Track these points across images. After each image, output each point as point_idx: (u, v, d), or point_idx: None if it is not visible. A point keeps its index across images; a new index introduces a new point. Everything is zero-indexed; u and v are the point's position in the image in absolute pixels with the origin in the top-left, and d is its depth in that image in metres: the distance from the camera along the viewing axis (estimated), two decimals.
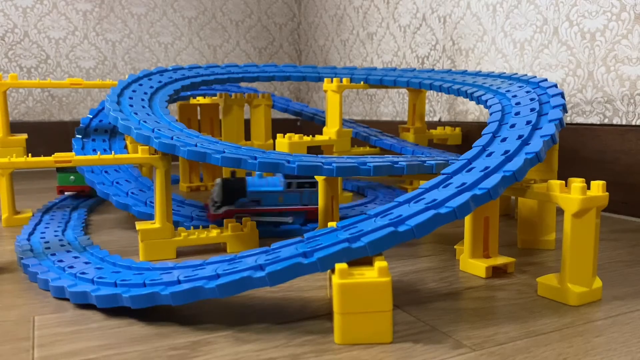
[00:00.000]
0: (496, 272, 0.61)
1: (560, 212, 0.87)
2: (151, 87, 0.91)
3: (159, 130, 0.70)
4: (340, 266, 0.43)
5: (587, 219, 0.51)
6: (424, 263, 0.66)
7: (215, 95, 1.26)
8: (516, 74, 0.83)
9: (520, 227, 0.73)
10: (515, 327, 0.46)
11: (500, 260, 0.62)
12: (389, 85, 1.07)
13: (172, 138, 0.67)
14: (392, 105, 1.59)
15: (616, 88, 0.95)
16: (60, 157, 0.66)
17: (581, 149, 0.99)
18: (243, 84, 1.97)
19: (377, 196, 1.07)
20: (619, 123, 0.95)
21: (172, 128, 0.75)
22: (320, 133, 1.27)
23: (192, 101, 1.24)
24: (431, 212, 0.47)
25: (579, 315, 0.49)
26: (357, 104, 1.76)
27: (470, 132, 1.25)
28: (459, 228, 0.83)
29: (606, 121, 0.97)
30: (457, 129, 1.23)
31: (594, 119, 0.99)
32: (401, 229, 0.45)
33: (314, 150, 1.30)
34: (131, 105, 0.81)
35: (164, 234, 0.69)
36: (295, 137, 0.94)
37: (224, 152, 0.64)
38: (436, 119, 1.40)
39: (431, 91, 1.36)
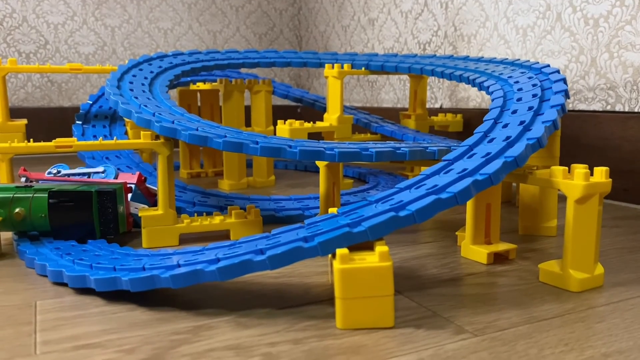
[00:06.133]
0: (497, 258, 0.61)
1: (561, 198, 0.87)
2: (151, 72, 0.91)
3: (160, 114, 0.70)
4: (341, 251, 0.42)
5: (590, 205, 0.51)
6: (426, 249, 0.66)
7: (215, 81, 1.26)
8: (518, 60, 0.83)
9: (521, 214, 0.73)
10: (517, 313, 0.46)
11: (502, 246, 0.61)
12: (390, 71, 1.07)
13: (173, 122, 0.67)
14: (393, 91, 1.58)
15: (619, 75, 0.94)
16: (61, 143, 0.65)
17: (583, 135, 0.99)
18: (243, 70, 1.97)
19: (379, 182, 1.07)
20: (621, 110, 0.94)
21: (173, 112, 0.74)
22: (321, 120, 1.27)
23: (192, 87, 1.23)
24: (432, 197, 0.46)
25: (580, 301, 0.49)
26: (358, 91, 1.75)
27: (472, 118, 1.24)
28: (461, 215, 0.83)
29: (609, 108, 0.96)
30: (459, 116, 1.23)
31: (597, 106, 0.98)
32: (402, 214, 0.45)
33: (315, 137, 1.29)
34: (131, 90, 0.81)
35: (166, 220, 0.68)
36: (296, 124, 0.94)
37: (226, 136, 0.63)
38: (437, 105, 1.40)
39: (432, 77, 1.35)
